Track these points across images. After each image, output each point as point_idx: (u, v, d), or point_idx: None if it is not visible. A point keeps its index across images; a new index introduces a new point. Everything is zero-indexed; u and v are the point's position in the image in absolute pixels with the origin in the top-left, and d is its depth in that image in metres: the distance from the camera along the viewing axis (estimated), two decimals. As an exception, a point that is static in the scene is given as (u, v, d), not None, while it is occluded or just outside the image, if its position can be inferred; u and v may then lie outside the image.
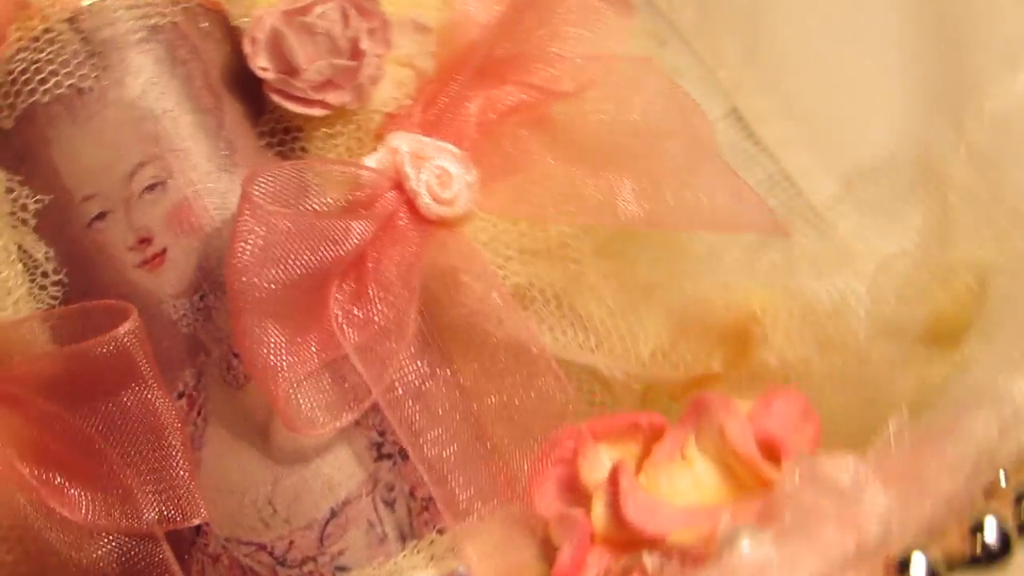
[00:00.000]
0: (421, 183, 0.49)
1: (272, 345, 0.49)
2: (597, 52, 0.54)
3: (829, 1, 0.62)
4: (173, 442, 0.48)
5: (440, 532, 0.50)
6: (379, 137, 0.51)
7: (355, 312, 0.50)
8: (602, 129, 0.54)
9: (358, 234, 0.49)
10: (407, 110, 0.50)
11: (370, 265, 0.50)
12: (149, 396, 0.48)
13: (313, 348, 0.50)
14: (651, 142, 0.54)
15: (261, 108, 0.50)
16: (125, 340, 0.46)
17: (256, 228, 0.48)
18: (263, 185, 0.48)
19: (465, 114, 0.52)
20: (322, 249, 0.49)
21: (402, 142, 0.50)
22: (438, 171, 0.50)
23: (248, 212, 0.48)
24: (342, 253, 0.49)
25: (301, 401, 0.49)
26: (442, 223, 0.50)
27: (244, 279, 0.48)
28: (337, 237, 0.49)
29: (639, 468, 0.49)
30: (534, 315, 0.54)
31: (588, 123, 0.54)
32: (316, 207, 0.50)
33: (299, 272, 0.49)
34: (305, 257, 0.49)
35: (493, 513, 0.50)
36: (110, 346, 0.47)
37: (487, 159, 0.52)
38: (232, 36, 0.51)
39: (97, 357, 0.47)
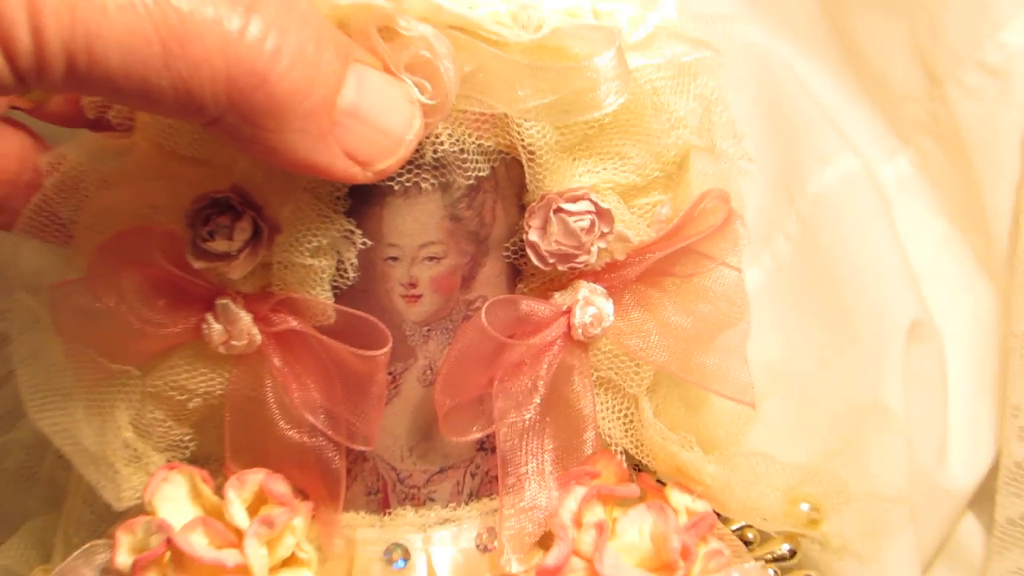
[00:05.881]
0: (580, 321, 0.51)
1: (449, 387, 0.51)
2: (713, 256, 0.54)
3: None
4: (375, 399, 0.50)
5: (491, 498, 0.54)
6: (569, 280, 0.52)
7: (507, 381, 0.51)
8: (686, 311, 0.54)
9: (533, 348, 0.51)
10: (593, 268, 0.51)
11: (527, 360, 0.52)
12: (372, 373, 0.50)
13: (471, 390, 0.52)
14: (710, 330, 0.54)
15: (516, 230, 0.52)
16: (379, 358, 0.49)
17: (474, 343, 0.50)
18: (493, 310, 0.50)
19: (626, 278, 0.52)
20: (507, 352, 0.51)
21: (583, 290, 0.51)
22: (595, 312, 0.51)
23: (474, 330, 0.50)
24: (519, 355, 0.51)
25: (455, 417, 0.51)
26: (580, 342, 0.52)
27: (459, 358, 0.51)
28: (520, 352, 0.51)
29: (614, 510, 0.53)
30: (608, 397, 0.55)
31: (685, 297, 0.54)
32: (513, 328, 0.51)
33: (486, 363, 0.51)
34: (492, 356, 0.51)
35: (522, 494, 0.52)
36: (367, 356, 0.49)
37: (623, 299, 0.53)
38: (521, 182, 0.51)
39: (351, 355, 0.49)
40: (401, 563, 0.52)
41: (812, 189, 0.68)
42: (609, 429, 0.55)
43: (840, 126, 0.69)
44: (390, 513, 0.53)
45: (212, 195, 0.48)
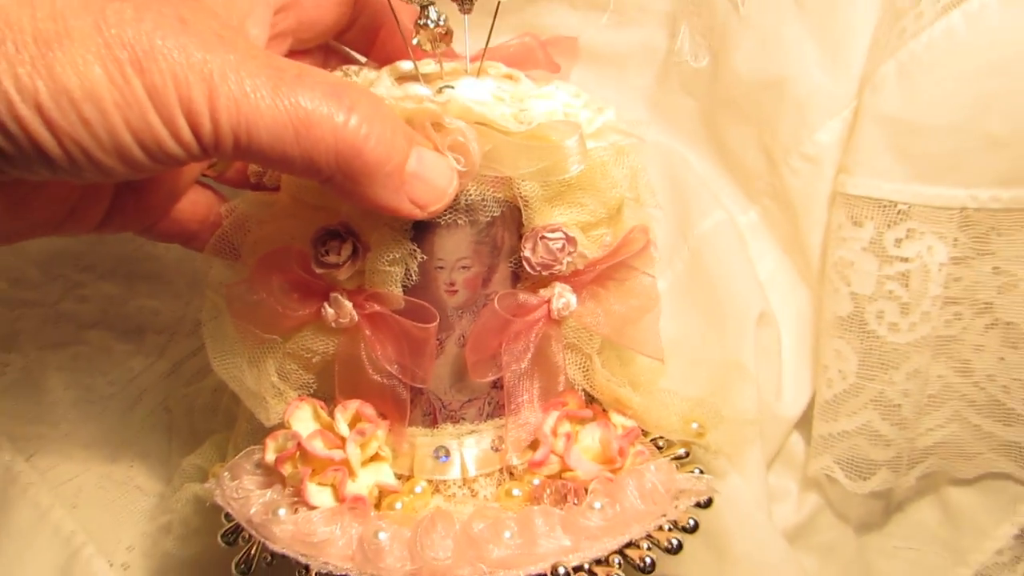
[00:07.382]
0: (556, 307, 0.53)
1: (475, 347, 0.52)
2: (635, 266, 0.54)
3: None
4: (428, 355, 0.51)
5: (500, 417, 0.54)
6: (549, 281, 0.53)
7: (511, 344, 0.52)
8: (621, 301, 0.54)
9: (527, 323, 0.53)
10: (563, 274, 0.52)
11: (523, 331, 0.52)
12: (427, 338, 0.51)
13: (488, 350, 0.53)
14: (636, 314, 0.55)
15: (516, 249, 0.52)
16: (430, 328, 0.50)
17: (490, 320, 0.52)
18: (502, 299, 0.52)
19: (584, 280, 0.53)
20: (511, 326, 0.52)
21: (558, 288, 0.53)
22: (565, 302, 0.52)
23: (491, 311, 0.52)
24: (518, 328, 0.52)
25: (478, 366, 0.52)
26: (556, 320, 0.53)
27: (481, 329, 0.52)
28: (518, 325, 0.52)
29: (576, 426, 0.55)
30: (573, 355, 0.55)
31: (621, 293, 0.55)
32: (514, 311, 0.52)
33: (498, 332, 0.52)
34: (501, 328, 0.52)
35: (520, 415, 0.53)
36: (424, 327, 0.50)
37: (582, 294, 0.53)
38: (519, 219, 0.51)
39: (414, 327, 0.50)
40: (444, 458, 0.53)
41: (697, 231, 0.68)
42: (573, 375, 0.56)
43: (713, 192, 0.70)
44: (438, 427, 0.54)
45: (327, 227, 0.51)
